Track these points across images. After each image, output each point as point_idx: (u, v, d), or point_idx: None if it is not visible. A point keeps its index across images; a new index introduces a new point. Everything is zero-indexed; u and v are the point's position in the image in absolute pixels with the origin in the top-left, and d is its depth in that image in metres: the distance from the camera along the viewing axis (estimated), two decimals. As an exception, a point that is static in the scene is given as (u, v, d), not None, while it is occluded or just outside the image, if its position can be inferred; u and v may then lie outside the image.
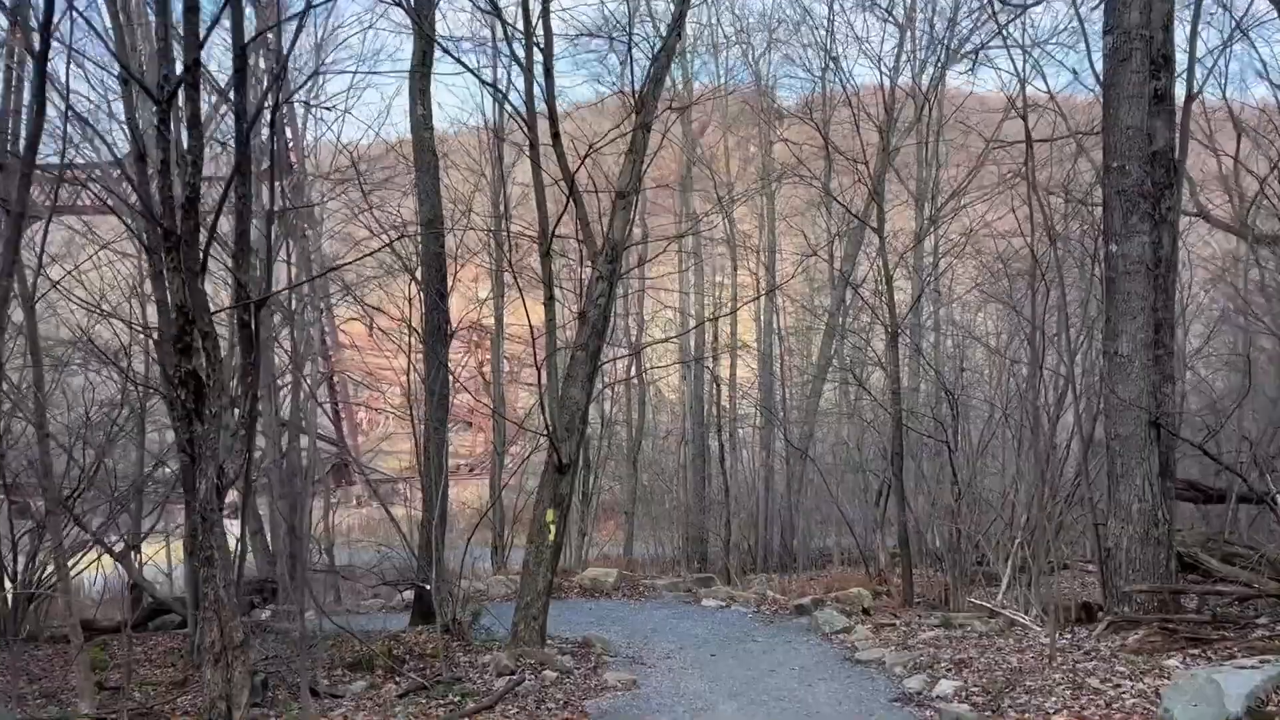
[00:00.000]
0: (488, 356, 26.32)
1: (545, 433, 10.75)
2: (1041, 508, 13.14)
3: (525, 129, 10.74)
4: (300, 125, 21.30)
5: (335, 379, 34.66)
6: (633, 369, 25.50)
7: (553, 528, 10.86)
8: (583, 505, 22.19)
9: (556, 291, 11.68)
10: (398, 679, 11.88)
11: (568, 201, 10.17)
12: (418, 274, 13.37)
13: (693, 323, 25.12)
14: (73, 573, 14.93)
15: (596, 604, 16.39)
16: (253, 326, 6.68)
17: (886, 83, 19.43)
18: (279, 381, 21.08)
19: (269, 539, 20.26)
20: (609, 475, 27.71)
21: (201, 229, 6.26)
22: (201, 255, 6.32)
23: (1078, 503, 14.13)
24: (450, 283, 13.51)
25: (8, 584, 13.97)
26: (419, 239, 13.89)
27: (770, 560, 24.56)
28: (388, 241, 13.53)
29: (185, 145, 5.98)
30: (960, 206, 18.71)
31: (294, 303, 20.53)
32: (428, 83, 13.66)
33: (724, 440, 23.72)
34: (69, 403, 15.20)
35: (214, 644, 6.56)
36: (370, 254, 13.15)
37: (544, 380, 10.98)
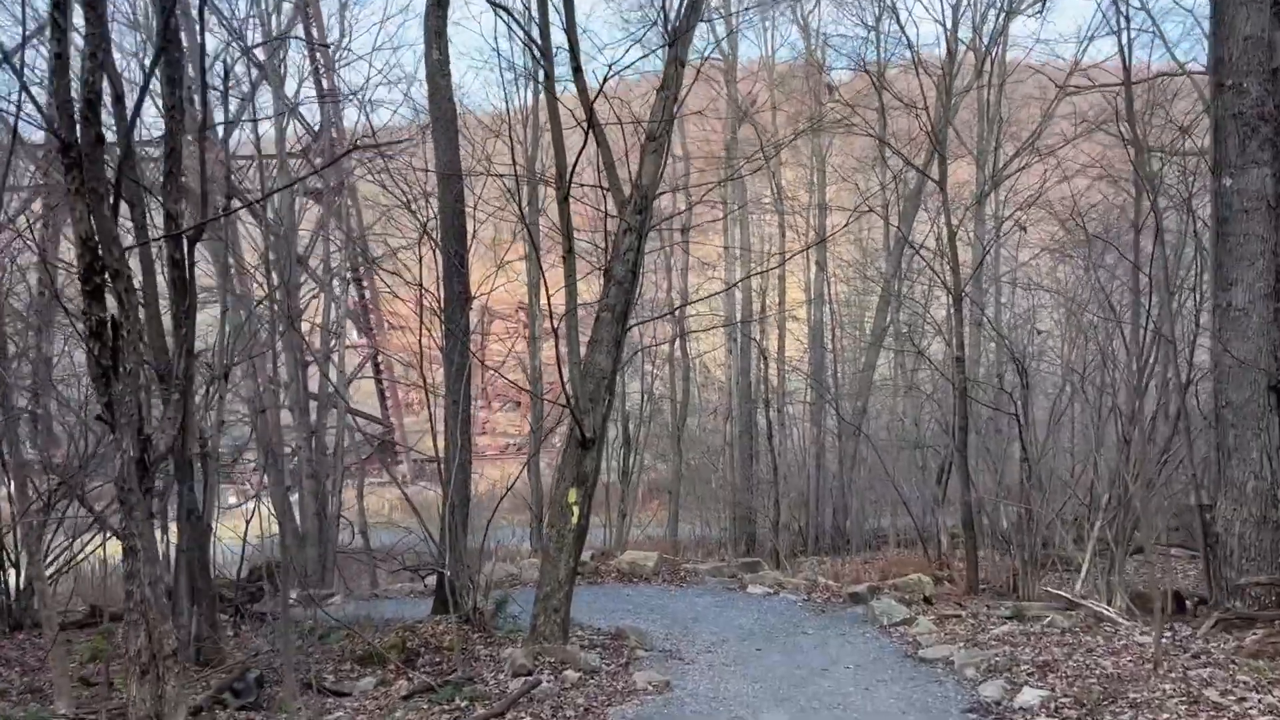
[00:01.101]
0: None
1: (566, 404, 9.38)
2: (1134, 481, 11.49)
3: (540, 58, 9.32)
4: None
5: (380, 357, 33.66)
6: (676, 345, 24.06)
7: (576, 509, 9.50)
8: (623, 484, 20.85)
9: (580, 246, 10.28)
10: (410, 675, 10.69)
11: (586, 139, 8.75)
12: (434, 234, 12.02)
13: (739, 294, 23.58)
14: (79, 556, 14.01)
15: (635, 590, 15.06)
16: (186, 266, 5.38)
17: (945, 30, 17.65)
18: (308, 356, 20.00)
19: (298, 520, 19.23)
20: (652, 453, 26.34)
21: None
22: (116, 176, 5.00)
23: (1163, 483, 12.45)
24: (470, 242, 12.16)
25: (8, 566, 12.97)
26: (437, 197, 12.56)
27: (821, 542, 23.06)
28: (403, 200, 12.21)
29: (84, 31, 4.67)
30: (1024, 165, 16.91)
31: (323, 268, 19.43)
32: (443, 23, 12.32)
33: (772, 417, 22.22)
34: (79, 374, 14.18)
35: (140, 653, 5.27)
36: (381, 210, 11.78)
37: (563, 346, 9.58)
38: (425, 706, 8.60)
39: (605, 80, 8.65)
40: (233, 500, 20.81)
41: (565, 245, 9.14)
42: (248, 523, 12.69)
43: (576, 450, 9.62)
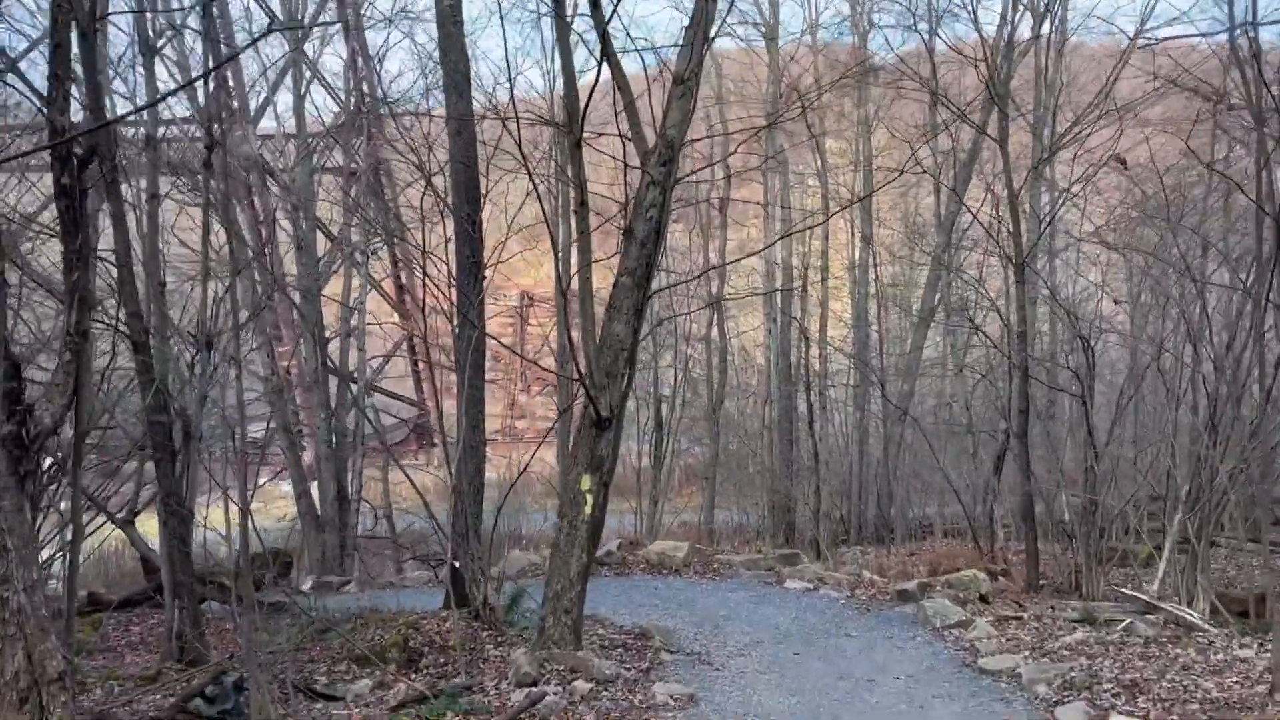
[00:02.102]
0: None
1: (579, 378, 8.18)
2: (1224, 466, 10.07)
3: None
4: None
5: (415, 337, 32.73)
6: (713, 324, 22.74)
7: (589, 498, 8.31)
8: (655, 469, 19.64)
9: (600, 204, 9.05)
10: (412, 676, 9.60)
11: (599, 70, 7.51)
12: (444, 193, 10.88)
13: (779, 271, 22.21)
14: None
15: (664, 582, 13.85)
16: (75, 193, 4.23)
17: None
18: (327, 333, 18.98)
19: (318, 504, 18.27)
20: (688, 437, 25.08)
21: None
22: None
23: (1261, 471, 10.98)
24: (484, 201, 11.00)
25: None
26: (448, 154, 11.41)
27: (864, 532, 21.71)
28: (410, 159, 11.07)
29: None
30: (1088, 130, 15.34)
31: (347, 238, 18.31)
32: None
33: (813, 400, 20.84)
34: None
35: (18, 676, 4.14)
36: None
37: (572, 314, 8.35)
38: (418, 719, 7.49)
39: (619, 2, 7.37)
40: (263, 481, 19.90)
41: (578, 197, 7.91)
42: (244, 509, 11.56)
43: (591, 431, 8.43)
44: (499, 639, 10.12)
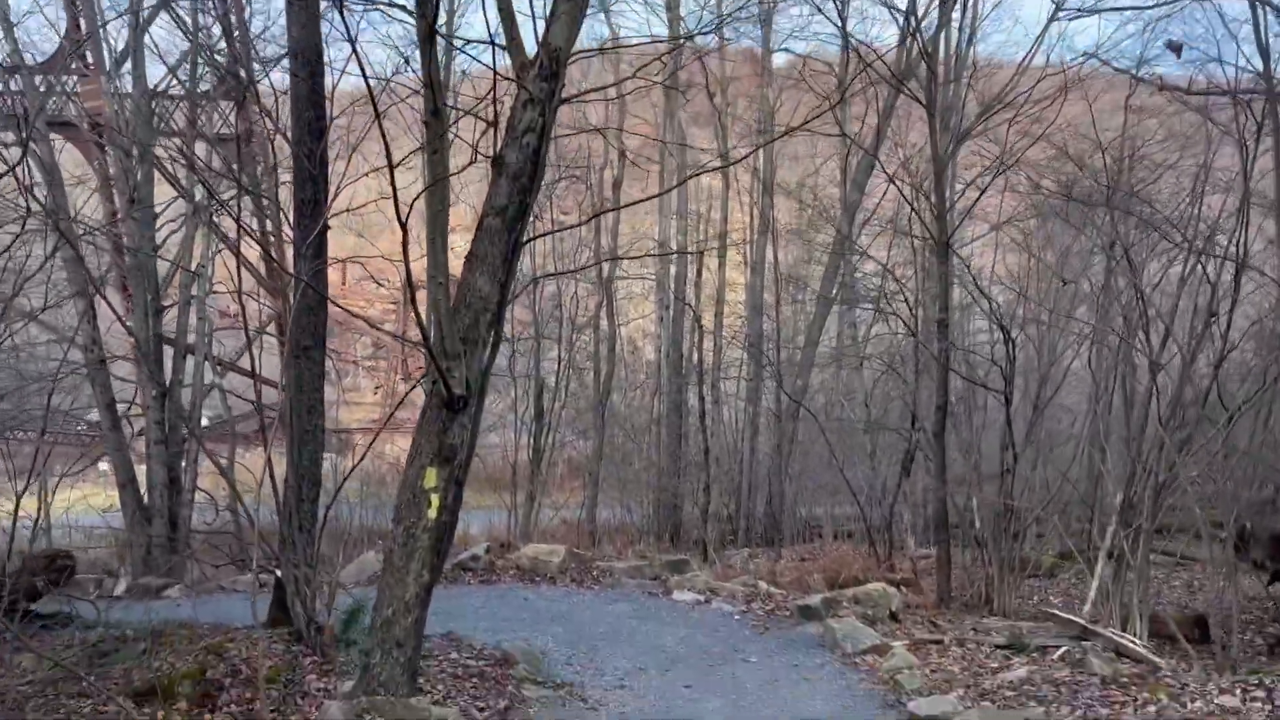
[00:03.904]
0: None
1: (423, 344, 6.15)
2: (1165, 469, 8.68)
3: None
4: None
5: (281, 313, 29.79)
6: (601, 309, 20.82)
7: (435, 498, 6.29)
8: (534, 464, 17.61)
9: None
10: (212, 712, 7.41)
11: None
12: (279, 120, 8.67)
13: (674, 257, 20.42)
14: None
15: (537, 592, 11.87)
16: None
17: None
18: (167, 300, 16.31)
19: (144, 493, 15.61)
20: (573, 430, 23.11)
21: None
22: None
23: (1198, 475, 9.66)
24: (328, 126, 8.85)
25: None
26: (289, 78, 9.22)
27: (753, 532, 20.14)
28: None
29: None
30: (1015, 98, 13.85)
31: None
32: None
33: (705, 393, 19.16)
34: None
35: None
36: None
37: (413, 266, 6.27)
38: (172, 801, 5.35)
39: None
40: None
41: (429, 104, 5.87)
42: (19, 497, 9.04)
43: (440, 413, 6.40)
44: (326, 668, 7.97)
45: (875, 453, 17.14)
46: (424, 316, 6.31)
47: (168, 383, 15.51)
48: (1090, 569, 9.96)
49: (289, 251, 11.42)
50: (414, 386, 7.02)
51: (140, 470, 15.74)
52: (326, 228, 9.19)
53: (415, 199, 5.65)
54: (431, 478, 6.34)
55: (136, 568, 14.74)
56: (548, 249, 19.48)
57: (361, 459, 8.69)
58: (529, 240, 7.02)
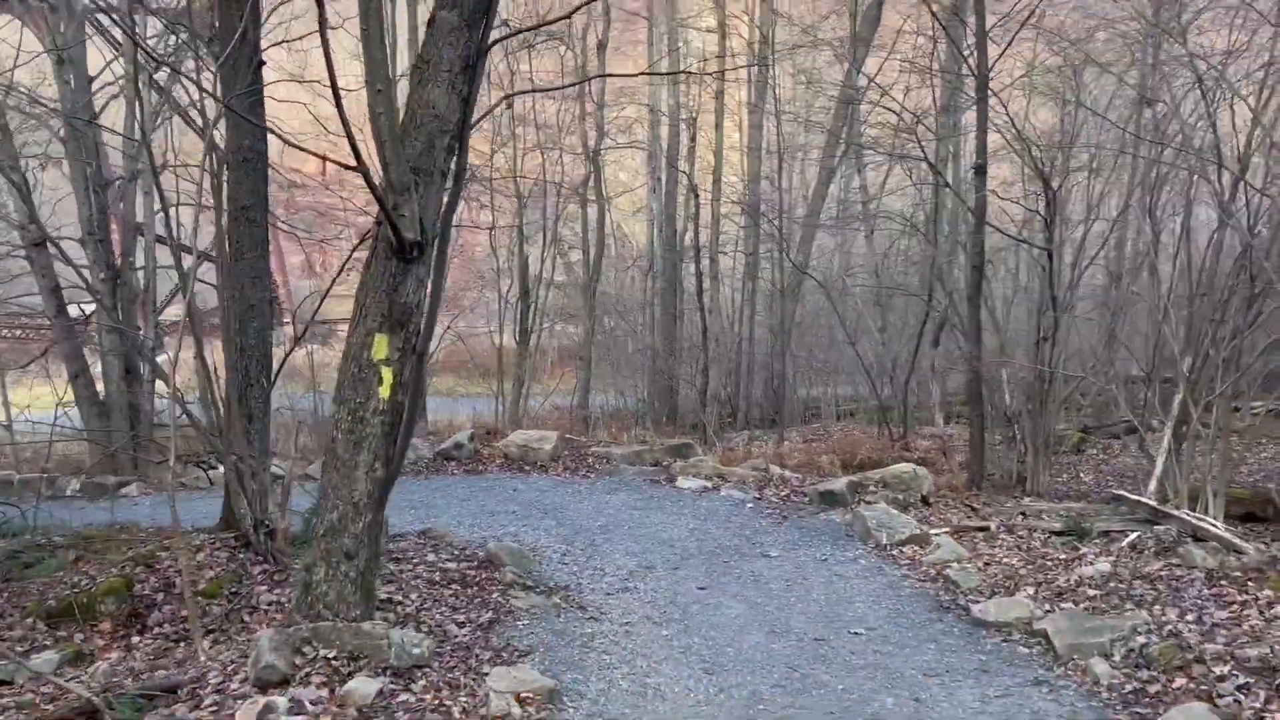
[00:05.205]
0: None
1: (361, 174, 4.59)
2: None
3: None
4: None
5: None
6: (589, 183, 19.02)
7: (386, 373, 4.83)
8: (520, 345, 16.14)
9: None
10: (137, 639, 6.17)
11: None
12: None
13: (665, 123, 18.59)
14: None
15: (527, 482, 10.57)
16: None
17: None
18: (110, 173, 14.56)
19: (102, 385, 14.15)
20: (562, 315, 21.62)
21: None
22: None
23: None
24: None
25: None
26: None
27: (751, 415, 18.89)
28: None
29: None
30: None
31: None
32: None
33: (702, 269, 17.60)
34: None
35: None
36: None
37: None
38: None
39: None
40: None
41: None
42: None
43: (388, 265, 4.89)
44: (279, 578, 6.66)
45: (885, 328, 15.72)
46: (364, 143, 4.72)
47: (117, 263, 13.90)
48: (1140, 444, 8.62)
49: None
50: (365, 237, 5.73)
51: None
52: (261, 63, 7.52)
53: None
54: (381, 346, 4.87)
55: (102, 464, 13.40)
56: (529, 111, 17.65)
57: (304, 333, 7.16)
58: (496, 43, 5.38)
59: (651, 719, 4.45)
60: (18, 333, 21.44)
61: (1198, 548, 6.01)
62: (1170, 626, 4.90)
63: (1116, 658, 4.72)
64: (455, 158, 5.16)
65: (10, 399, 14.53)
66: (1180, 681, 4.33)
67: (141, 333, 14.18)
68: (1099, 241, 10.42)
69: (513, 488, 10.33)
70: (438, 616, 5.99)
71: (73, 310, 14.77)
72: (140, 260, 14.56)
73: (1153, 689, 4.35)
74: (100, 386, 13.99)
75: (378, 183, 4.82)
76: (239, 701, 4.27)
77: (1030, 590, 6.00)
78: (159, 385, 13.98)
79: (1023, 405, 10.69)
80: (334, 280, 6.59)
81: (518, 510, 9.23)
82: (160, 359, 14.55)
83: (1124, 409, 9.82)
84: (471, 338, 22.09)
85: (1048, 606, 5.60)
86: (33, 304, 15.58)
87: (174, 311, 17.82)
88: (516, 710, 4.34)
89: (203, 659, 5.35)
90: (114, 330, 13.74)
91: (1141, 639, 4.79)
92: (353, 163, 4.54)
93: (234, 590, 6.50)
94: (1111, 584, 5.79)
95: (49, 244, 13.29)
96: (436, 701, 4.37)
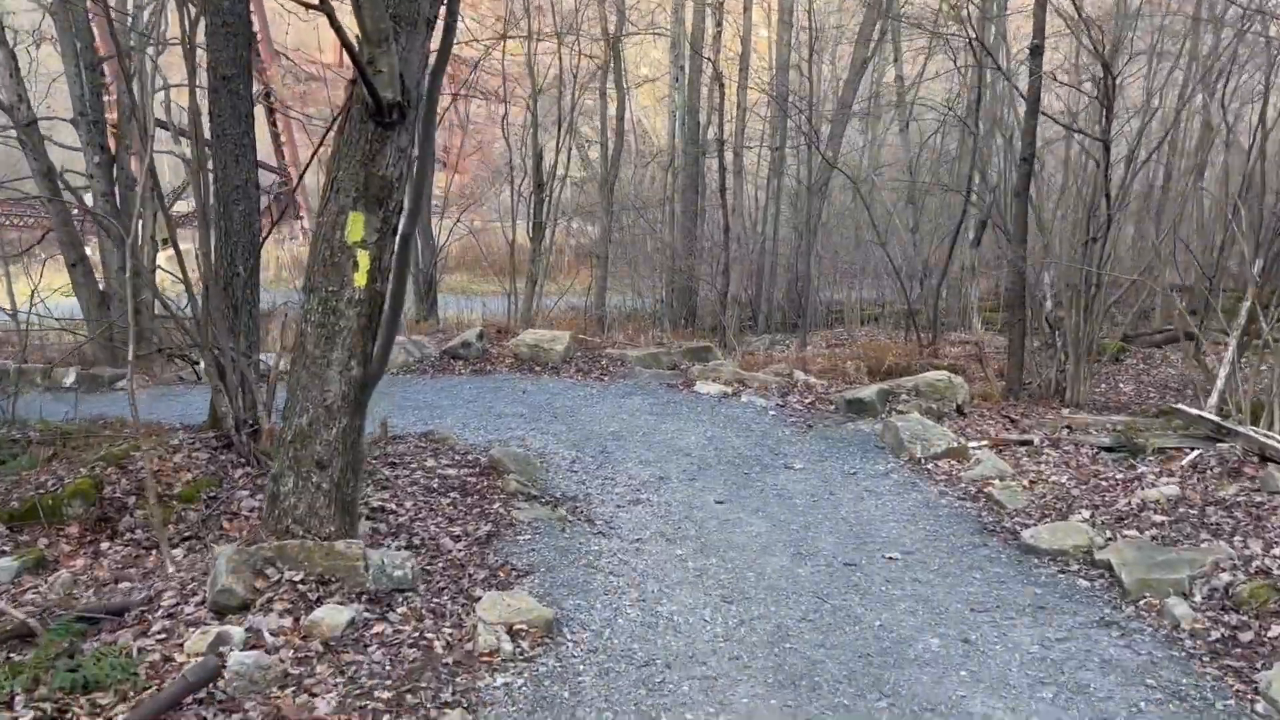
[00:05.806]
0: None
1: (330, 22, 3.80)
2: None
3: None
4: None
5: (273, 94, 26.67)
6: (608, 74, 17.87)
7: (363, 256, 4.14)
8: (534, 240, 15.35)
9: None
10: (106, 544, 5.67)
11: None
12: None
13: (690, 6, 17.35)
14: None
15: (537, 384, 9.96)
16: None
17: None
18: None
19: (100, 278, 13.55)
20: (576, 210, 20.73)
21: None
22: None
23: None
24: None
25: None
26: None
27: (772, 319, 18.16)
28: None
29: None
30: None
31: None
32: None
33: (725, 164, 16.62)
34: None
35: None
36: None
37: None
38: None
39: None
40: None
41: None
42: None
43: (364, 130, 4.13)
44: (262, 481, 6.09)
45: (916, 228, 14.82)
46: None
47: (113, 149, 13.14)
48: (1195, 353, 7.86)
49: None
50: (347, 106, 5.03)
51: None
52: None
53: None
54: (356, 226, 4.16)
55: (101, 356, 12.89)
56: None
57: (283, 214, 6.48)
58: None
59: (664, 658, 3.86)
60: (14, 219, 20.77)
61: (1278, 470, 5.33)
62: (1258, 562, 4.26)
63: (1198, 598, 4.09)
64: (443, 2, 4.34)
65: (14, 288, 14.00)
66: (1277, 629, 3.70)
67: (140, 221, 13.48)
68: (1160, 134, 9.42)
69: (521, 389, 9.72)
70: (432, 529, 5.44)
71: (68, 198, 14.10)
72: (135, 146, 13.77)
73: (1244, 636, 3.73)
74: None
75: (350, 33, 4.04)
76: (191, 629, 3.70)
77: (1085, 514, 5.36)
78: (159, 276, 13.39)
79: (1066, 311, 9.93)
80: (314, 154, 5.82)
81: (525, 413, 8.64)
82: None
83: (1180, 316, 9.00)
84: (485, 234, 21.29)
85: (1109, 534, 4.97)
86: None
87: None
88: (508, 645, 3.77)
89: (170, 569, 4.83)
90: (110, 217, 13.05)
91: (1226, 576, 4.15)
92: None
93: (213, 495, 5.96)
94: (1180, 509, 5.13)
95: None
96: (417, 634, 3.79)
